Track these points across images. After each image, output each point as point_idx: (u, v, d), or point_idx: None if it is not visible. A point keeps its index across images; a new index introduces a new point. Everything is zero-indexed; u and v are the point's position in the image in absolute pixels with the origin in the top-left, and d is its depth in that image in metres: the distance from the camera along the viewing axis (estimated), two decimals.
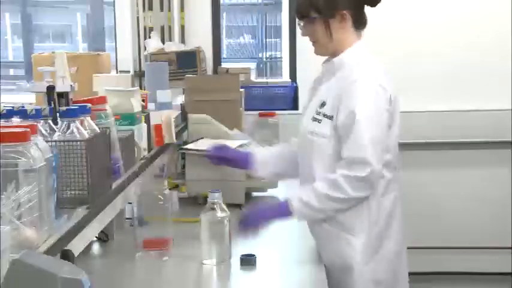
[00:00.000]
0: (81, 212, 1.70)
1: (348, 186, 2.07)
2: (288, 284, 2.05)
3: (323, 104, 2.16)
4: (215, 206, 2.11)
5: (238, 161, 2.48)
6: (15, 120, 1.64)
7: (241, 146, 2.94)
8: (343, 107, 2.09)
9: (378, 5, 2.22)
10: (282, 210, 2.16)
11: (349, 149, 2.08)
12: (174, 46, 3.84)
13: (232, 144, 2.66)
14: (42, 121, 1.74)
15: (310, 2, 2.16)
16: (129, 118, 2.37)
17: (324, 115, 2.14)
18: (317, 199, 2.10)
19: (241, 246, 2.27)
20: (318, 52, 2.24)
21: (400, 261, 2.26)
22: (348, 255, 2.14)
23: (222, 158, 2.52)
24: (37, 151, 1.41)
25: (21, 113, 1.69)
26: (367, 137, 2.06)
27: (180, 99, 3.65)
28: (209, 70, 4.18)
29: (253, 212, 2.23)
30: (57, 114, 1.81)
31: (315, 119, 2.17)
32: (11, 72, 8.12)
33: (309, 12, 2.17)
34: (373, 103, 2.08)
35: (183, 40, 4.13)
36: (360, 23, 2.20)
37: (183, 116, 3.47)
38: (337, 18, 2.16)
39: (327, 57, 2.27)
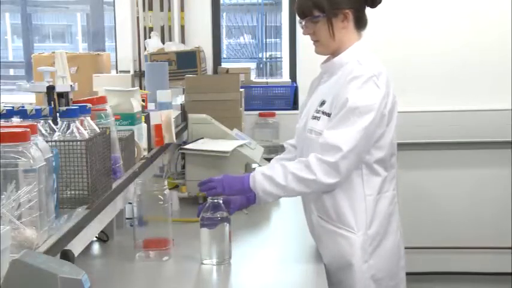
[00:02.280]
0: (81, 212, 1.70)
1: (318, 168, 2.07)
2: (288, 284, 2.05)
3: (323, 103, 2.17)
4: (215, 206, 2.11)
5: (245, 204, 2.31)
6: (15, 120, 1.64)
7: (241, 146, 2.95)
8: (338, 100, 2.10)
9: (378, 5, 2.23)
10: (245, 182, 2.16)
11: (328, 133, 2.09)
12: (174, 46, 3.84)
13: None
14: (42, 121, 1.74)
15: (313, 1, 2.16)
16: (129, 118, 2.36)
17: (323, 112, 2.16)
18: (284, 176, 2.10)
19: (241, 246, 2.28)
20: (318, 51, 2.25)
21: (399, 259, 2.27)
22: (347, 253, 2.15)
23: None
24: (37, 151, 1.40)
25: (21, 113, 1.69)
26: (348, 126, 2.06)
27: (180, 99, 3.65)
28: (209, 70, 4.18)
29: (218, 179, 2.20)
30: (57, 114, 1.81)
31: (314, 117, 2.18)
32: (11, 72, 8.11)
33: (312, 11, 2.17)
34: (366, 98, 2.08)
35: (183, 40, 4.13)
36: (361, 23, 2.21)
37: (183, 116, 3.47)
38: (340, 17, 2.17)
39: (326, 57, 2.28)
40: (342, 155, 2.05)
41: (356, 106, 2.07)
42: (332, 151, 2.06)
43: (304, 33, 2.24)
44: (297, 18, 2.28)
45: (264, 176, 2.14)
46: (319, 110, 2.17)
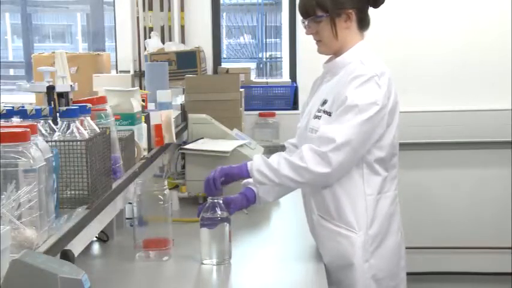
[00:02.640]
0: (81, 212, 1.70)
1: (309, 157, 2.08)
2: (288, 283, 2.05)
3: (325, 102, 2.18)
4: (215, 206, 2.11)
5: (246, 204, 2.36)
6: (15, 120, 1.64)
7: (241, 146, 2.95)
8: (338, 99, 2.11)
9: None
10: (242, 167, 2.20)
11: (324, 127, 2.11)
12: (174, 46, 3.84)
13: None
14: (42, 121, 1.74)
15: (316, 1, 2.16)
16: (129, 118, 2.37)
17: (324, 112, 2.16)
18: (277, 161, 2.14)
19: (241, 246, 2.28)
20: (321, 51, 2.24)
21: (400, 259, 2.27)
22: (348, 252, 2.15)
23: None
24: (37, 151, 1.41)
25: (21, 113, 1.69)
26: (345, 121, 2.07)
27: (180, 99, 3.65)
28: (209, 70, 4.18)
29: (215, 171, 2.23)
30: (57, 114, 1.81)
31: (316, 117, 2.18)
32: (11, 72, 8.11)
33: (315, 11, 2.17)
34: (366, 96, 2.08)
35: (183, 40, 4.13)
36: (364, 23, 2.22)
37: (183, 116, 3.47)
38: (343, 17, 2.17)
39: (328, 57, 2.28)
40: (334, 146, 2.06)
41: (355, 104, 2.07)
42: (325, 142, 2.08)
43: (307, 33, 2.24)
44: (298, 17, 2.28)
45: (262, 158, 2.20)
46: (321, 109, 2.17)
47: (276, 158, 2.17)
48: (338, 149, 2.06)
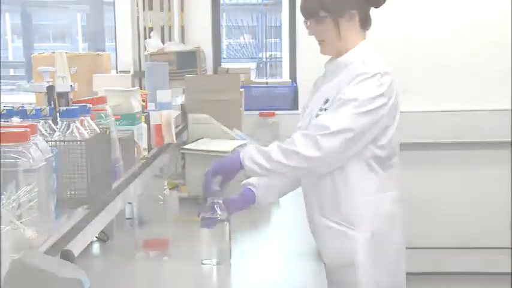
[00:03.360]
0: (81, 212, 1.71)
1: (299, 141, 2.08)
2: (288, 283, 2.04)
3: (326, 101, 2.17)
4: (215, 206, 2.11)
5: (245, 205, 2.35)
6: (15, 120, 1.65)
7: (241, 146, 2.95)
8: (339, 95, 2.11)
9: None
10: (234, 158, 2.17)
11: (322, 116, 2.11)
12: (174, 46, 3.85)
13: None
14: (42, 121, 1.74)
15: (319, 1, 2.16)
16: (129, 118, 2.37)
17: (326, 110, 2.15)
18: (270, 147, 2.13)
19: (241, 246, 2.28)
20: (324, 51, 2.24)
21: (400, 259, 2.26)
22: (349, 251, 2.15)
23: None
24: (37, 151, 1.41)
25: (21, 113, 1.69)
26: (341, 112, 2.07)
27: (180, 99, 3.65)
28: (209, 70, 4.18)
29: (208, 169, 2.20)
30: (57, 114, 1.81)
31: (318, 116, 2.18)
32: (11, 72, 8.13)
33: (318, 11, 2.17)
34: (365, 91, 2.08)
35: (183, 40, 4.13)
36: (366, 23, 2.21)
37: (183, 116, 3.47)
38: (346, 17, 2.17)
39: (329, 57, 2.28)
40: (326, 132, 2.06)
41: (354, 97, 2.07)
42: (319, 129, 2.08)
43: (310, 34, 2.23)
44: (298, 17, 2.28)
45: (254, 146, 2.19)
46: (323, 108, 2.17)
47: (269, 145, 2.17)
48: (330, 135, 2.06)
